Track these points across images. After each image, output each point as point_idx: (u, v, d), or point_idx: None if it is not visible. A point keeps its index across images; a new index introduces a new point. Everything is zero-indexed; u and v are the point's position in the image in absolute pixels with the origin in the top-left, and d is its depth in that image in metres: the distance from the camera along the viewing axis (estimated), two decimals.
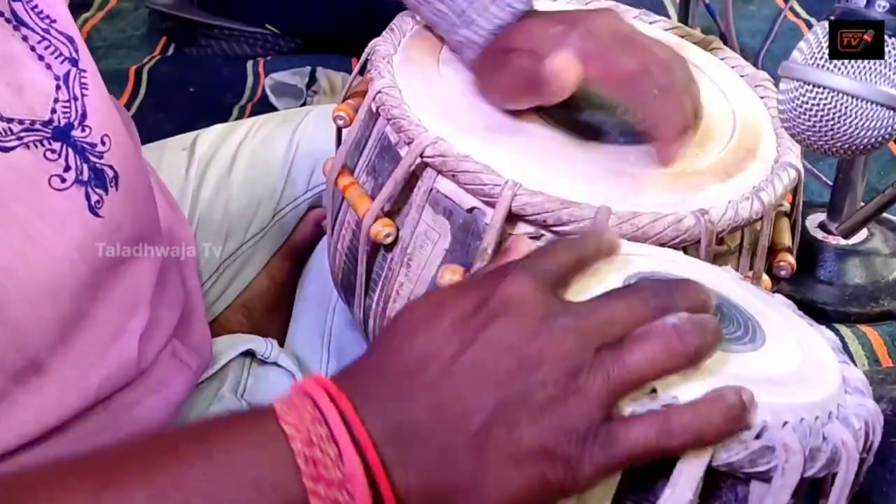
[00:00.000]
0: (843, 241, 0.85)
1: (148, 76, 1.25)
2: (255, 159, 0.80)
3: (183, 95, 1.23)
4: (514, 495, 0.33)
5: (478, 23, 0.57)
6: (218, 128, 0.84)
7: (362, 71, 0.62)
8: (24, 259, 0.45)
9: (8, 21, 0.46)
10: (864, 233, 0.86)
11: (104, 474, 0.33)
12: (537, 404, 0.33)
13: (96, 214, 0.49)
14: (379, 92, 0.55)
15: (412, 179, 0.53)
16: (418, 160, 0.52)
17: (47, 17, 0.48)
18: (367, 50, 0.60)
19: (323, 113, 0.82)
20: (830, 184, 0.87)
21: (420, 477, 0.33)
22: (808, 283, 0.84)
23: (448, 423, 0.33)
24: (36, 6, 0.48)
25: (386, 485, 0.33)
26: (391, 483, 0.33)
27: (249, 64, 1.27)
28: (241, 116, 1.16)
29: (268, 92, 1.17)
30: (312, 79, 1.15)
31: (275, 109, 1.12)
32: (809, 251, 0.84)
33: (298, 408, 0.34)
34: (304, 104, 1.13)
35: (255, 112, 1.15)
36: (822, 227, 0.87)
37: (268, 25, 1.31)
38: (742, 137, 0.57)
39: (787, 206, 0.61)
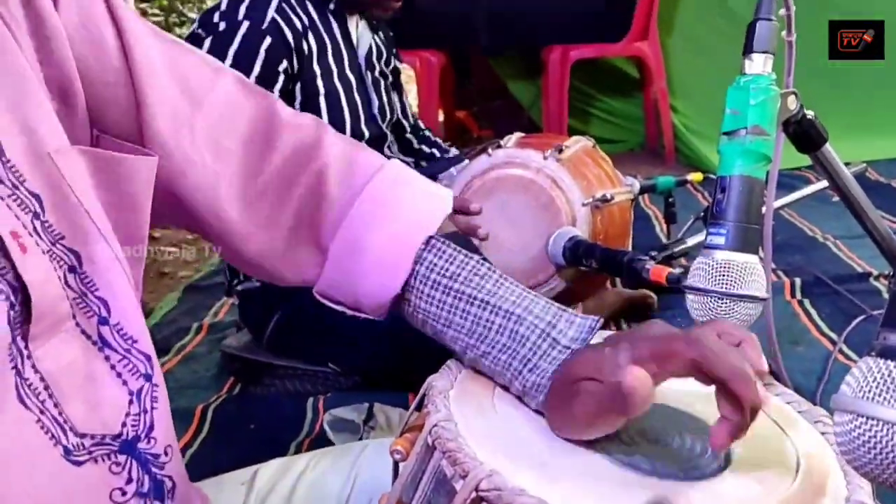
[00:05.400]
0: None
1: (213, 414, 1.30)
2: (313, 493, 0.79)
3: (243, 432, 1.26)
4: None
5: (541, 367, 0.60)
6: (277, 461, 0.84)
7: (420, 406, 0.64)
8: None
9: (94, 343, 0.50)
10: None
11: None
12: None
13: None
14: (435, 425, 0.56)
15: None
16: (473, 494, 0.51)
17: (130, 337, 0.52)
18: (424, 385, 0.63)
19: (380, 447, 0.82)
20: None
21: None
22: None
23: None
24: (122, 329, 0.52)
25: None
26: None
27: (310, 401, 1.31)
28: (297, 452, 1.17)
29: (326, 427, 1.18)
30: (370, 414, 1.17)
31: (332, 445, 1.13)
32: None
33: None
34: (360, 439, 1.14)
35: (312, 447, 1.17)
36: None
37: (330, 364, 1.38)
38: (808, 474, 0.56)
39: None
